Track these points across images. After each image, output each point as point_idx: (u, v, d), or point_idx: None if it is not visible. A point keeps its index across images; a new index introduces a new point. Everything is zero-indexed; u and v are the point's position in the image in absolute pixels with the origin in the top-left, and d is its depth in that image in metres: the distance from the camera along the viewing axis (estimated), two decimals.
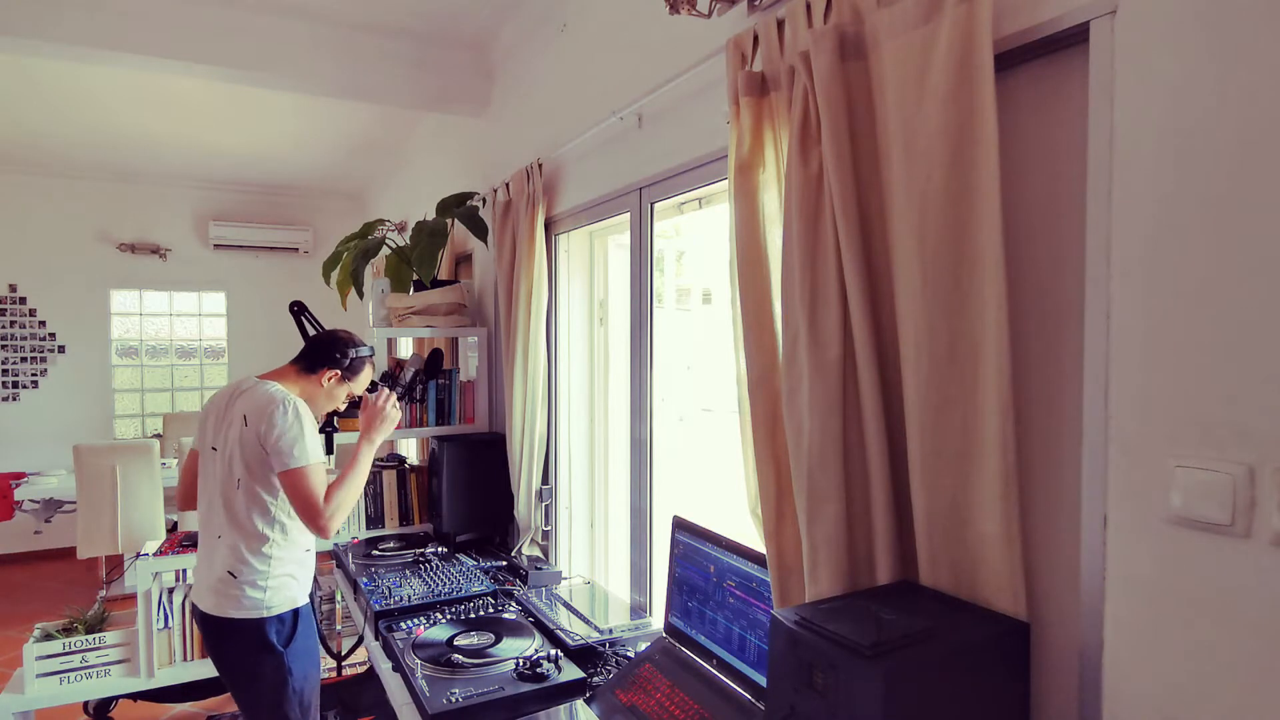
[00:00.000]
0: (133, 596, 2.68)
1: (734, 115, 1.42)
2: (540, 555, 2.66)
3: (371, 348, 2.24)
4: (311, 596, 2.18)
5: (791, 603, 1.33)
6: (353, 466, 2.00)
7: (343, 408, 2.26)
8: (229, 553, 1.91)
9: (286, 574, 1.96)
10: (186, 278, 5.94)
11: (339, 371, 2.10)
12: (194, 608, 2.01)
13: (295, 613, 1.97)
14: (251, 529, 1.91)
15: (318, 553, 2.46)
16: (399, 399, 2.91)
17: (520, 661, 1.71)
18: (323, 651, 2.66)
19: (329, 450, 2.75)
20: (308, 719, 1.97)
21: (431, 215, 3.04)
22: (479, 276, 3.42)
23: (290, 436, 1.87)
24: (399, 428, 2.93)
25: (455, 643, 1.85)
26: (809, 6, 1.27)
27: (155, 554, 2.57)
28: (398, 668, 1.82)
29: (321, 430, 2.71)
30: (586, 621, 2.02)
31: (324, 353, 2.10)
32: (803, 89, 1.23)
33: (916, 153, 1.08)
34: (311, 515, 1.87)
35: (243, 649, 1.93)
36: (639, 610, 2.14)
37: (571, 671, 1.69)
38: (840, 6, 1.21)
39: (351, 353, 2.13)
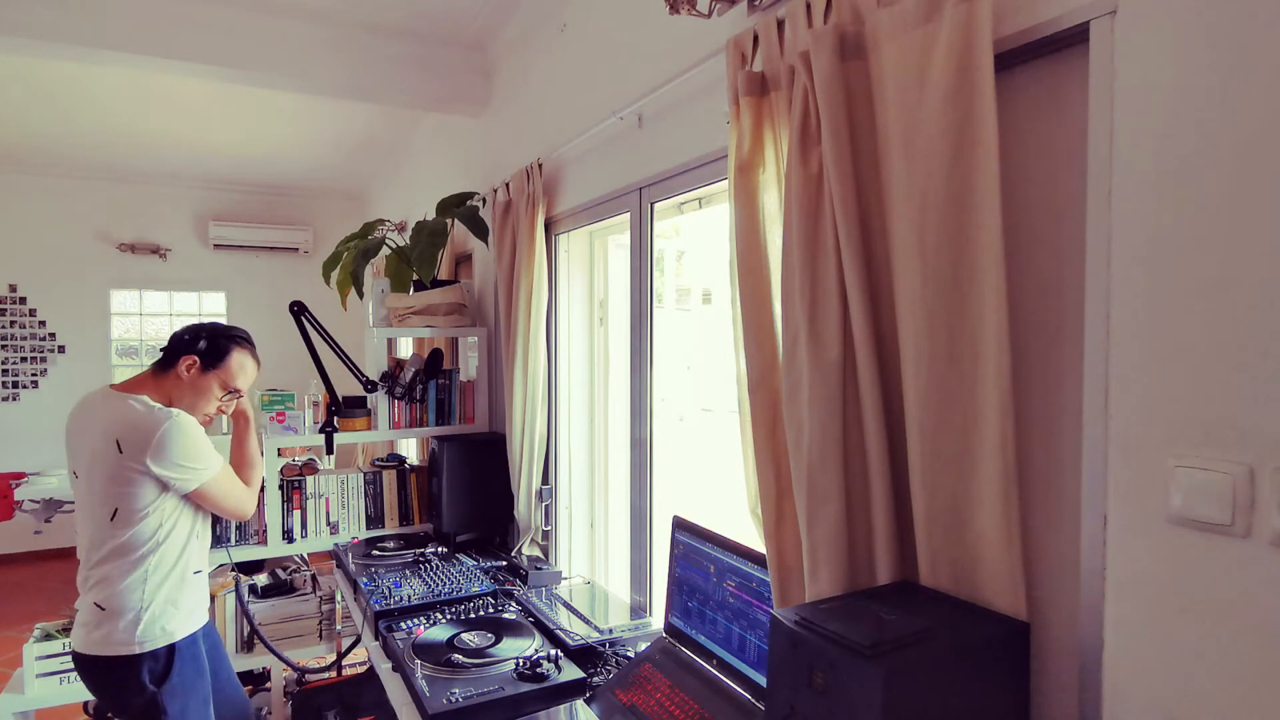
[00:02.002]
0: None
1: (734, 115, 1.42)
2: (540, 555, 2.66)
3: (243, 333, 2.01)
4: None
5: (791, 603, 1.33)
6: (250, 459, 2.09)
7: (228, 408, 2.02)
8: (99, 583, 1.79)
9: (165, 600, 1.82)
10: (186, 278, 5.94)
11: (196, 357, 1.88)
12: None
13: (171, 649, 1.82)
14: (123, 555, 1.78)
15: (320, 552, 2.46)
16: (399, 399, 2.92)
17: (520, 661, 1.71)
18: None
19: (329, 450, 2.75)
20: None
21: (431, 215, 3.04)
22: (479, 276, 3.42)
23: (182, 451, 1.78)
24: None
25: (455, 643, 1.85)
26: (809, 6, 1.27)
27: None
28: (398, 668, 1.82)
29: (321, 430, 2.72)
30: (586, 621, 2.02)
31: (177, 341, 1.91)
32: (803, 89, 1.23)
33: (916, 153, 1.08)
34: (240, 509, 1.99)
35: (112, 686, 1.80)
36: (639, 610, 2.14)
37: (571, 671, 1.69)
38: (840, 6, 1.21)
39: (204, 334, 1.90)
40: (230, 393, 1.98)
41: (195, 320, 6.01)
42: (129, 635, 1.78)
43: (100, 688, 1.84)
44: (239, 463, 2.06)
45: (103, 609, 1.78)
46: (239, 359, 1.96)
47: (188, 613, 1.90)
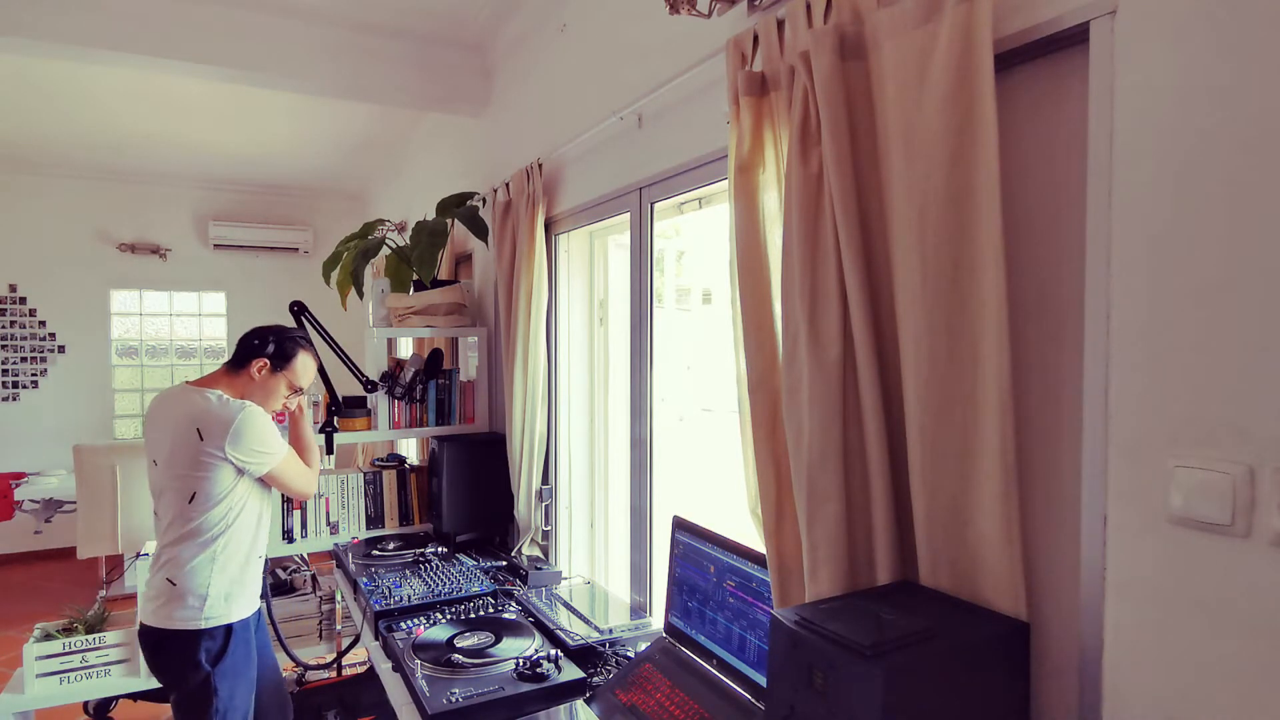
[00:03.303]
0: (133, 596, 2.67)
1: (734, 115, 1.42)
2: (540, 555, 2.66)
3: (304, 335, 2.18)
4: (266, 598, 2.22)
5: (791, 603, 1.33)
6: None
7: (293, 405, 2.20)
8: (170, 561, 1.92)
9: (231, 580, 1.96)
10: (186, 278, 5.94)
11: (267, 360, 2.05)
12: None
13: (229, 629, 1.94)
14: (196, 536, 1.92)
15: (320, 552, 2.46)
16: (399, 399, 2.92)
17: (520, 661, 1.71)
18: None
19: (329, 450, 2.75)
20: None
21: (431, 215, 3.04)
22: (479, 276, 3.42)
23: (258, 438, 1.93)
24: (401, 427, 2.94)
25: (455, 643, 1.85)
26: (809, 6, 1.27)
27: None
28: (398, 668, 1.82)
29: (321, 430, 2.72)
30: (586, 621, 2.02)
31: (248, 344, 2.07)
32: (803, 89, 1.23)
33: (916, 153, 1.08)
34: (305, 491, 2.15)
35: (171, 660, 1.93)
36: (639, 610, 2.14)
37: (571, 671, 1.69)
38: (840, 6, 1.21)
39: (272, 338, 2.06)
40: (295, 391, 2.15)
41: (195, 319, 6.03)
42: (195, 612, 1.90)
43: (160, 661, 1.95)
44: (299, 447, 2.23)
45: (174, 584, 1.91)
46: (303, 361, 2.13)
47: (248, 595, 2.02)
